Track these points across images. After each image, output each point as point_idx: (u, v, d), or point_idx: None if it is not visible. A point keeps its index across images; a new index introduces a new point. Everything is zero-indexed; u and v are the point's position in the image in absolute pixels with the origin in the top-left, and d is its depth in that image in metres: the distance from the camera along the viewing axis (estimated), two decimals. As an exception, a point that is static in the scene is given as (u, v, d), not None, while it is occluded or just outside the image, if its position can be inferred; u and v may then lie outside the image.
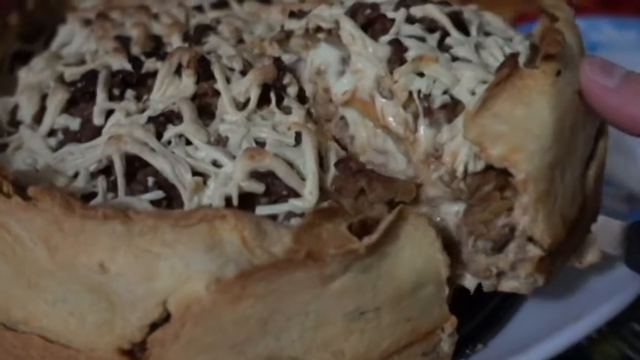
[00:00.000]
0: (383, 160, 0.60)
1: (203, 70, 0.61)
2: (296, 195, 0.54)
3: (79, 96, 0.62)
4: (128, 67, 0.64)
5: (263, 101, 0.62)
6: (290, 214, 0.53)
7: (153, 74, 0.63)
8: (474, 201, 0.55)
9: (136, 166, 0.55)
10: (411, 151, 0.57)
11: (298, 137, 0.57)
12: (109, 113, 0.60)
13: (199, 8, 0.78)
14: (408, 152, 0.58)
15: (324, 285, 0.48)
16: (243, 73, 0.63)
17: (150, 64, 0.64)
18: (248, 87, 0.61)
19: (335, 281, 0.49)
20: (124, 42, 0.69)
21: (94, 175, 0.55)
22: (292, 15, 0.67)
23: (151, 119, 0.58)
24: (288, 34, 0.67)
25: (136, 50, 0.69)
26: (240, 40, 0.72)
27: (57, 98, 0.61)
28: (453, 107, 0.56)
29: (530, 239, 0.54)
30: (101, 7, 0.78)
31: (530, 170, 0.51)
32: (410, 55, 0.58)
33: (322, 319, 0.50)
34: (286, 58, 0.66)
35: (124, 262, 0.46)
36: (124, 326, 0.48)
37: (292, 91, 0.64)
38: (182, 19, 0.75)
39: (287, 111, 0.62)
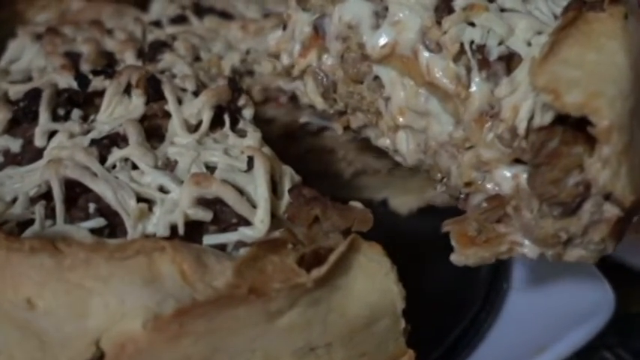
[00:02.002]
0: (423, 124, 0.56)
1: (153, 90, 0.59)
2: (247, 223, 0.51)
3: (21, 116, 0.59)
4: (75, 85, 0.61)
5: (217, 124, 0.59)
6: (240, 244, 0.50)
7: (101, 93, 0.60)
8: (540, 159, 0.50)
9: (77, 192, 0.52)
10: (461, 110, 0.54)
11: (251, 162, 0.54)
12: (52, 134, 0.57)
13: (157, 23, 0.76)
14: (456, 112, 0.54)
15: (271, 321, 0.46)
16: (196, 93, 0.60)
17: (98, 83, 0.61)
18: (200, 108, 0.58)
19: (282, 317, 0.46)
20: (73, 58, 0.67)
21: (33, 201, 0.52)
22: None
23: (94, 142, 0.55)
24: None
25: (85, 67, 0.66)
26: (197, 58, 0.69)
27: (-3, 118, 0.59)
28: (507, 60, 0.52)
29: (608, 197, 0.49)
30: (54, 22, 0.75)
31: (613, 117, 0.46)
32: (458, 3, 0.54)
33: (270, 356, 0.47)
34: (307, 16, 0.62)
35: (52, 298, 0.44)
36: (54, 366, 0.45)
37: (248, 113, 0.61)
38: (138, 34, 0.73)
39: (242, 134, 0.59)
